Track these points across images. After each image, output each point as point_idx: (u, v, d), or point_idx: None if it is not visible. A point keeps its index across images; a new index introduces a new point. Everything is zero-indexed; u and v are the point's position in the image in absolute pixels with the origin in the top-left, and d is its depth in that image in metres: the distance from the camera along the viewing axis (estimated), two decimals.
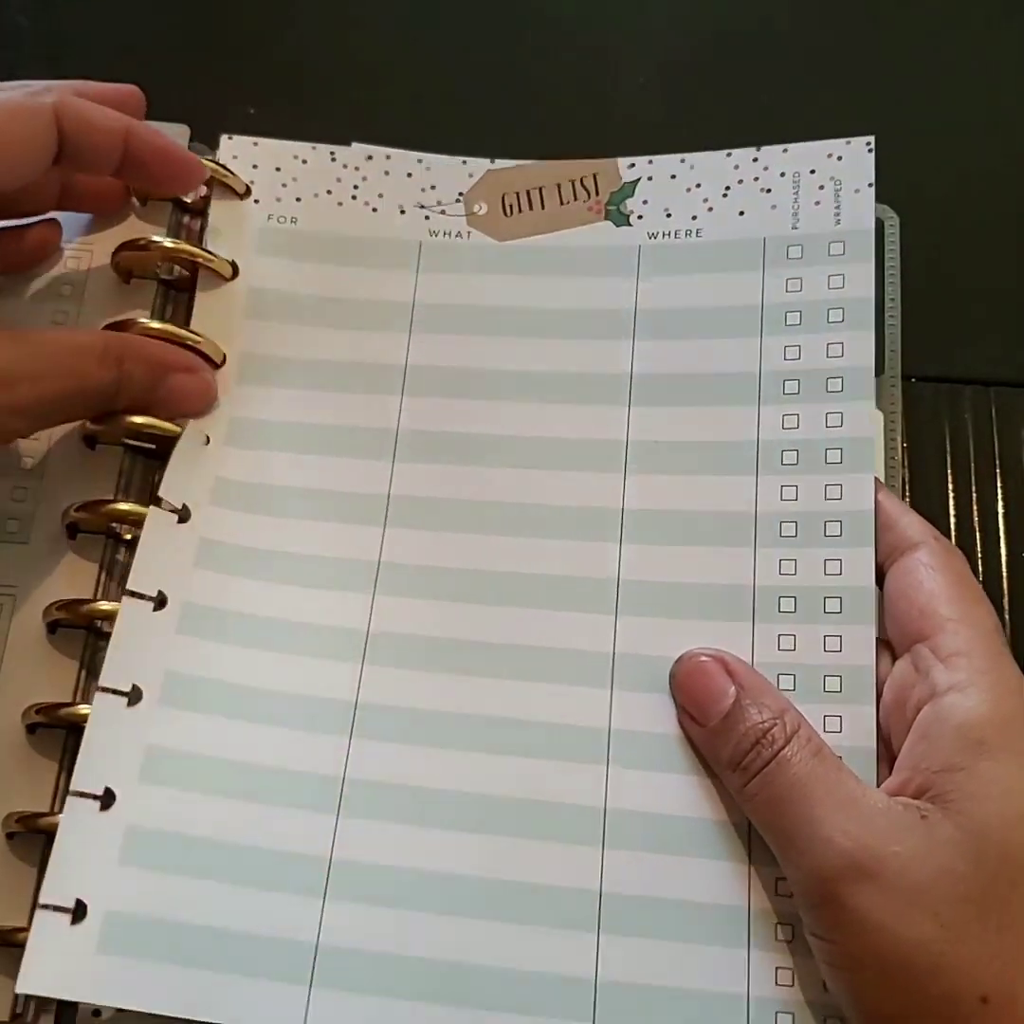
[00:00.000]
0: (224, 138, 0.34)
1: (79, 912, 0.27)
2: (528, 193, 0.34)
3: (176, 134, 0.36)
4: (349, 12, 0.41)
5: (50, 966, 0.26)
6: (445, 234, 0.34)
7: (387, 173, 0.34)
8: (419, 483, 0.31)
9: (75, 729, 0.29)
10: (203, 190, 0.34)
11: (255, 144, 0.34)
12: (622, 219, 0.34)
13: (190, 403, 0.31)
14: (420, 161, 0.35)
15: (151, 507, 0.30)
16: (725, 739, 0.27)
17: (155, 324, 0.32)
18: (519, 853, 0.28)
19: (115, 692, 0.29)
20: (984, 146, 0.38)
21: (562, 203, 0.34)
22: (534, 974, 0.27)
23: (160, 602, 0.30)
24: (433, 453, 0.32)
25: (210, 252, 0.33)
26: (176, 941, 0.27)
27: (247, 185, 0.34)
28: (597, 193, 0.34)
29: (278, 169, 0.34)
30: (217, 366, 0.32)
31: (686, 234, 0.33)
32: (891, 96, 0.39)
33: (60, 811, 0.28)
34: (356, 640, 0.30)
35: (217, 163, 0.34)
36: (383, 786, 0.29)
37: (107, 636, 0.30)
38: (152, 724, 0.29)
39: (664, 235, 0.33)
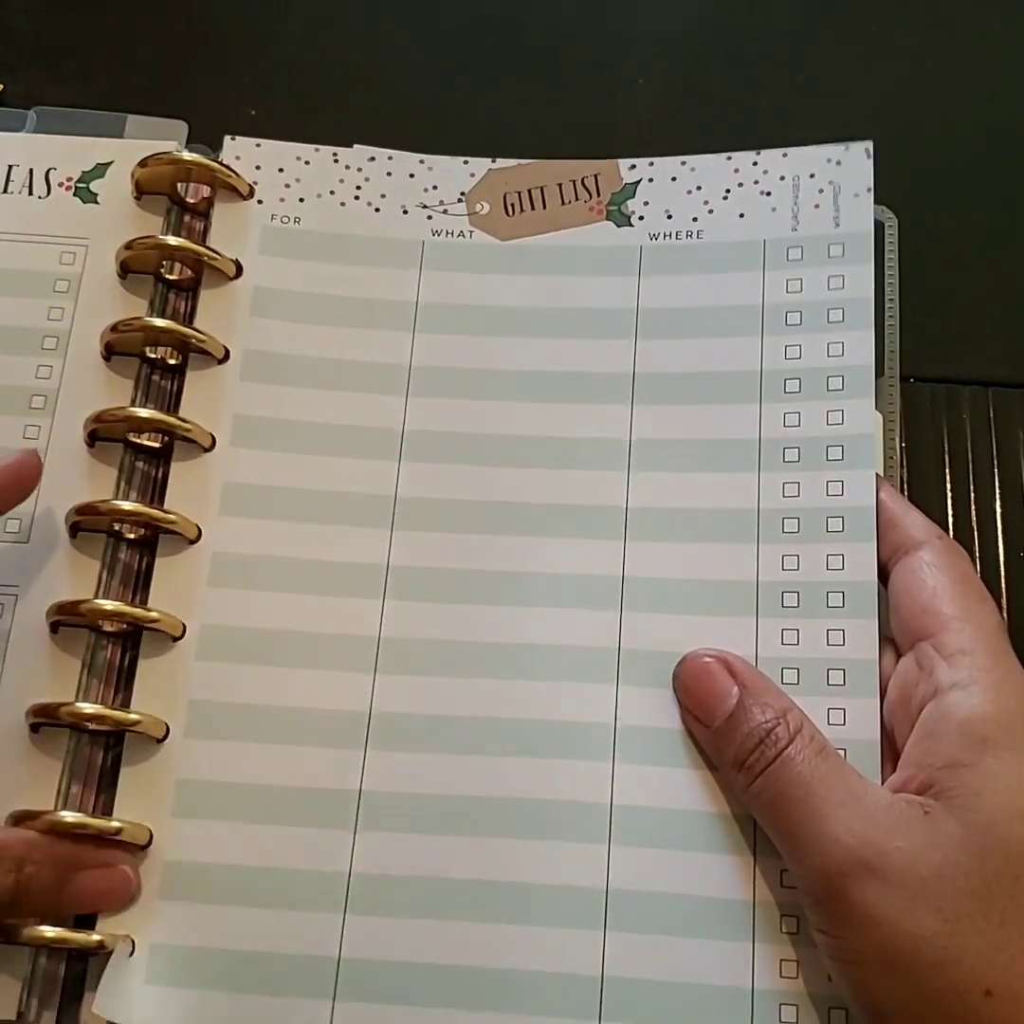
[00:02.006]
0: (227, 139, 0.34)
1: (130, 947, 0.28)
2: (529, 193, 0.34)
3: (173, 130, 0.36)
4: (349, 13, 0.41)
5: (112, 997, 0.27)
6: (448, 233, 0.34)
7: (389, 174, 0.35)
8: (425, 483, 0.31)
9: (78, 729, 0.29)
10: (206, 190, 0.34)
11: (258, 145, 0.34)
12: (623, 220, 0.34)
13: (105, 902, 0.28)
14: (422, 162, 0.35)
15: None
16: (729, 739, 0.27)
17: (160, 322, 0.32)
18: (528, 854, 0.28)
19: (145, 733, 0.29)
20: (983, 147, 0.38)
21: (563, 203, 0.34)
22: (543, 974, 0.27)
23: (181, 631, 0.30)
24: (438, 453, 0.32)
25: (214, 250, 0.33)
26: (212, 967, 0.28)
27: (251, 186, 0.34)
28: (598, 194, 0.34)
29: (281, 170, 0.34)
30: (140, 850, 0.29)
31: (687, 235, 0.33)
32: (890, 97, 0.39)
33: (63, 809, 0.28)
34: (368, 648, 0.30)
35: (222, 164, 0.34)
36: (398, 796, 0.29)
37: (109, 635, 0.30)
38: (181, 758, 0.29)
39: (665, 236, 0.33)
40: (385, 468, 0.32)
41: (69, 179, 0.34)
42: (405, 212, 0.34)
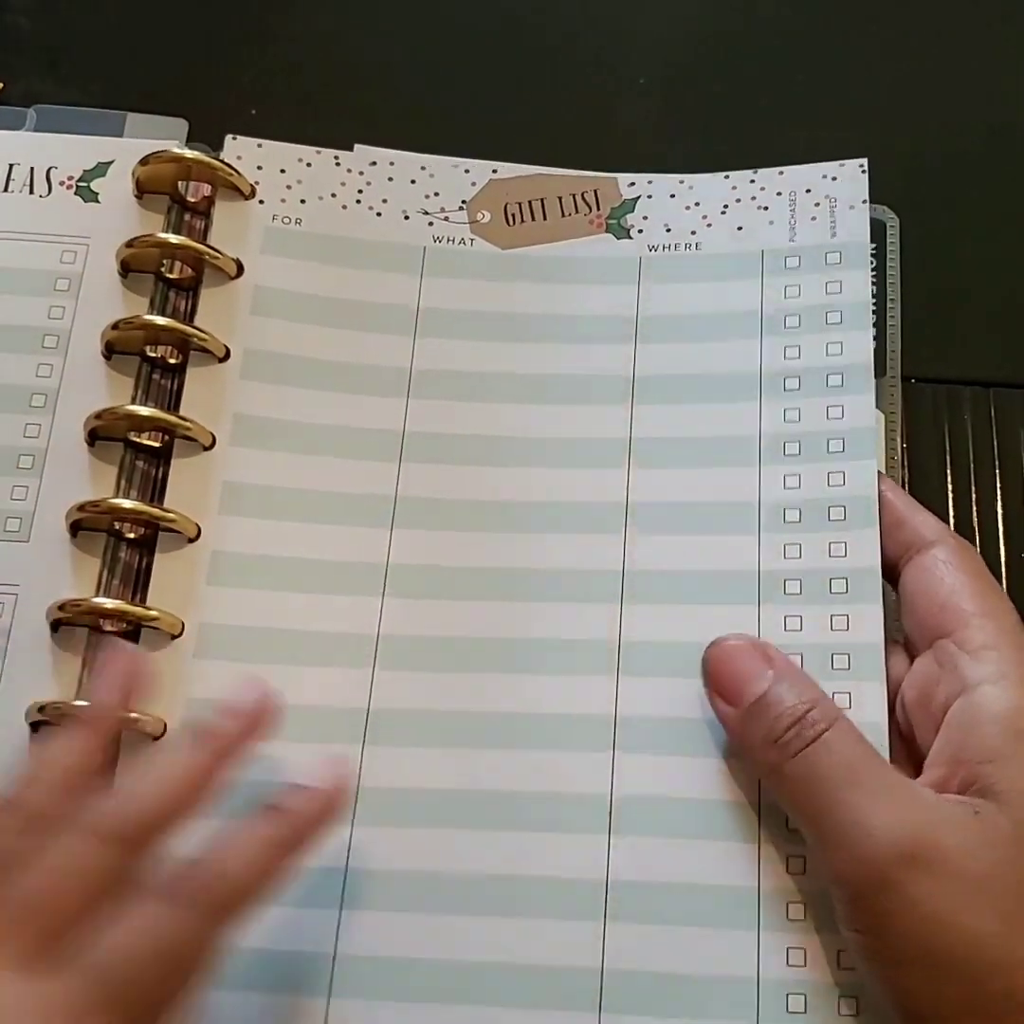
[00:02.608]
0: (229, 139, 0.34)
1: None
2: (530, 204, 0.34)
3: (173, 128, 0.36)
4: (350, 12, 0.41)
5: None
6: (449, 240, 0.34)
7: (391, 179, 0.35)
8: (425, 483, 0.31)
9: None
10: (207, 189, 0.34)
11: (259, 146, 0.34)
12: (622, 233, 0.34)
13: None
14: (424, 168, 0.35)
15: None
16: (760, 719, 0.26)
17: (160, 320, 0.32)
18: (528, 847, 0.28)
19: (142, 734, 0.29)
20: (984, 147, 0.39)
21: (564, 215, 0.34)
22: (542, 968, 0.27)
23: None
24: (438, 454, 0.32)
25: (215, 249, 0.33)
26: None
27: (252, 185, 0.34)
28: (598, 207, 0.34)
29: (283, 171, 0.34)
30: None
31: (686, 247, 0.34)
32: (890, 97, 0.39)
33: None
34: (366, 645, 0.30)
35: (224, 163, 0.34)
36: (396, 790, 0.29)
37: (109, 634, 0.30)
38: None
39: (664, 248, 0.34)
40: (385, 468, 0.32)
41: (70, 178, 0.34)
42: (406, 217, 0.34)
